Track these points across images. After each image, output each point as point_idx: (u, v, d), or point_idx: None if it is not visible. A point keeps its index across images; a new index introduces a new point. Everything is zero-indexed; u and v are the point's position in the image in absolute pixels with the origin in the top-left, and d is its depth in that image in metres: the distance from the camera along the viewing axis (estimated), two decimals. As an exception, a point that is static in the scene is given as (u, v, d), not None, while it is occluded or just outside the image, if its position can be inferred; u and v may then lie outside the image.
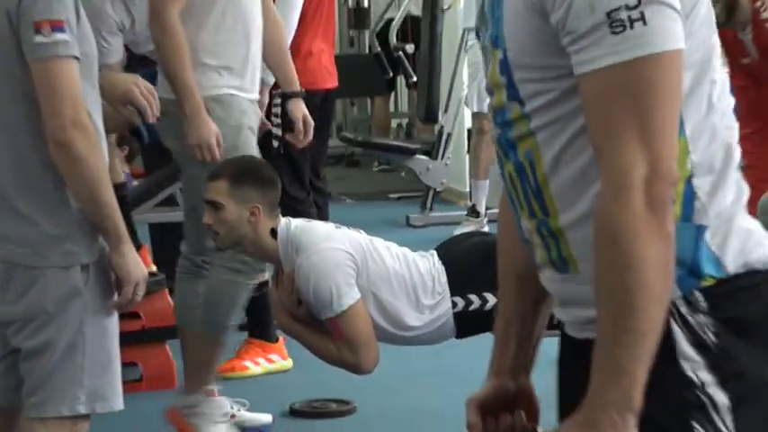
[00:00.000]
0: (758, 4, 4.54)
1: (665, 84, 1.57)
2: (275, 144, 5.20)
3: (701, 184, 1.62)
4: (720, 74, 1.73)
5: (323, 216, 5.54)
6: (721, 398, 1.62)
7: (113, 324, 2.97)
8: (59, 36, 2.78)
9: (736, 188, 1.70)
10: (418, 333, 3.62)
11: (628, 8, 1.52)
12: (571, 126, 1.63)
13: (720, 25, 3.32)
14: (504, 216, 1.91)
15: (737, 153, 1.71)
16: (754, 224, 1.72)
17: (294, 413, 4.53)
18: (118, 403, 2.94)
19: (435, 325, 3.61)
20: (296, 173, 5.34)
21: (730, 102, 1.76)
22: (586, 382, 1.62)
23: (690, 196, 1.62)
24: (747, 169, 3.11)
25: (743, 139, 3.14)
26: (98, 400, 2.89)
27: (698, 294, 1.62)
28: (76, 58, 2.83)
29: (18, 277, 2.88)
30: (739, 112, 3.23)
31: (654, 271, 1.55)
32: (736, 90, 3.32)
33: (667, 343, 1.60)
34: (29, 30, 2.77)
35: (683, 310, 1.62)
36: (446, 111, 7.22)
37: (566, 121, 1.64)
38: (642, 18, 1.53)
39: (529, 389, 1.85)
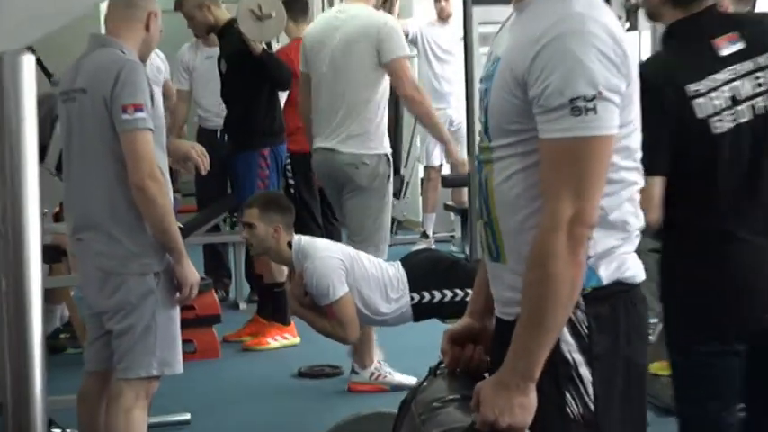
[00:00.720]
0: None
1: (599, 158, 1.56)
2: (291, 191, 5.15)
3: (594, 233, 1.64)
4: (635, 162, 1.69)
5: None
6: (586, 374, 1.62)
7: (176, 313, 3.01)
8: (139, 115, 2.79)
9: (627, 239, 1.64)
10: (387, 317, 3.61)
11: (585, 99, 1.50)
12: (515, 166, 1.61)
13: None
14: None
15: (633, 221, 1.64)
16: (633, 256, 1.68)
17: (301, 374, 4.48)
18: (179, 368, 2.98)
19: (399, 312, 3.57)
20: (309, 211, 5.11)
21: (639, 183, 1.68)
22: (502, 350, 1.63)
23: None
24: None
25: None
26: (165, 366, 2.93)
27: (579, 298, 1.60)
28: (151, 130, 2.84)
29: (110, 281, 2.90)
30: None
31: (564, 286, 1.54)
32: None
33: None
34: (118, 110, 2.79)
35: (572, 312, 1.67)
36: (406, 165, 7.19)
37: (512, 160, 1.62)
38: (594, 109, 1.50)
39: (490, 330, 1.83)
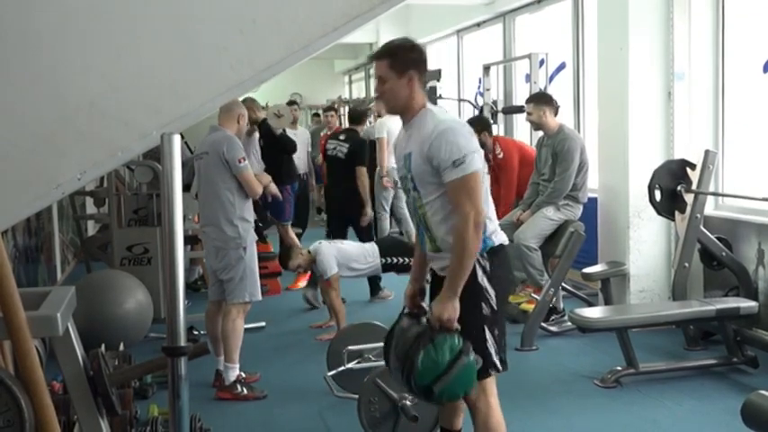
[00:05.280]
0: (497, 147, 5.07)
1: (476, 183, 1.95)
2: None
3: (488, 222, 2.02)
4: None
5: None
6: (488, 287, 2.08)
7: (256, 269, 3.56)
8: (244, 163, 3.46)
9: (493, 225, 2.11)
10: (364, 270, 4.26)
11: (459, 159, 1.95)
12: (437, 203, 2.01)
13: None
14: (416, 241, 2.25)
15: (492, 222, 2.09)
16: (500, 231, 2.14)
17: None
18: (259, 297, 3.55)
19: (372, 268, 4.24)
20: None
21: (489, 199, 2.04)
22: (439, 288, 2.03)
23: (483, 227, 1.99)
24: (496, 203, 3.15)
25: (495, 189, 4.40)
26: (252, 296, 3.49)
27: (484, 253, 2.05)
28: (235, 177, 3.41)
29: (221, 253, 3.46)
30: (495, 181, 4.69)
31: (472, 247, 1.95)
32: (492, 174, 4.29)
33: (473, 272, 2.06)
34: (233, 161, 3.40)
35: (480, 259, 2.06)
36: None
37: (434, 202, 2.02)
38: (464, 161, 1.94)
39: (423, 289, 2.23)
